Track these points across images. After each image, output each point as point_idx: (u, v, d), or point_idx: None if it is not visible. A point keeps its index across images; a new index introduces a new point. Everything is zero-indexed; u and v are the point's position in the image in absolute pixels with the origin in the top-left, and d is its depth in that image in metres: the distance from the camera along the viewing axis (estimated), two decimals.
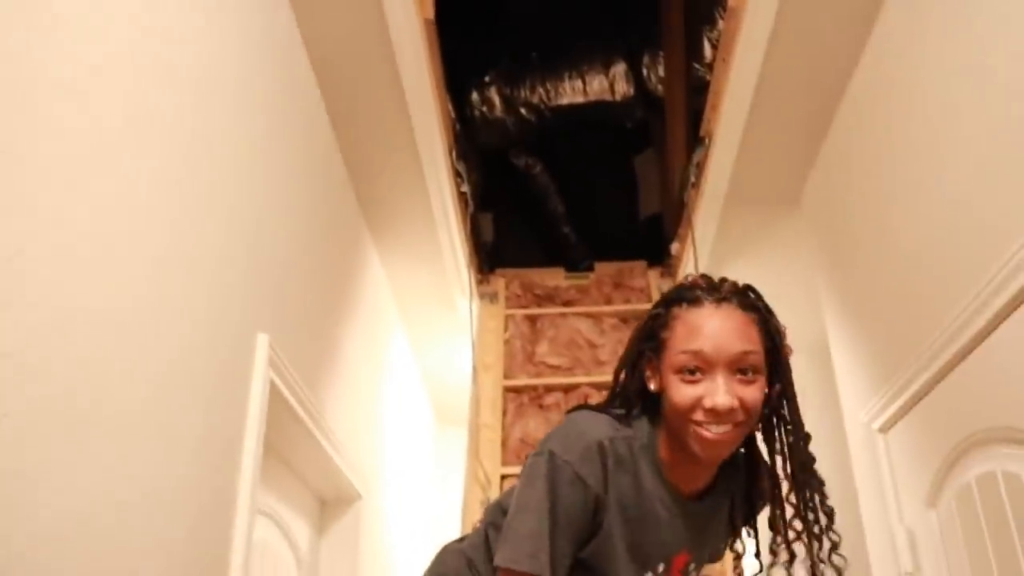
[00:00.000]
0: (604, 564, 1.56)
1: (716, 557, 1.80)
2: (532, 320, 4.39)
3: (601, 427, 1.56)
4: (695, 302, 1.56)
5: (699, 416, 1.49)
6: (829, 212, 3.49)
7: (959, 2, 2.36)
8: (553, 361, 4.16)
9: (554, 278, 4.80)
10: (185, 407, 1.86)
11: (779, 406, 1.62)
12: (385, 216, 3.84)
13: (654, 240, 5.08)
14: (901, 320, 2.82)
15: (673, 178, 4.50)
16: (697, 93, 4.41)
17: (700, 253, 4.07)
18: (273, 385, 2.39)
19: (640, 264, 4.89)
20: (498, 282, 4.67)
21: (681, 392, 1.50)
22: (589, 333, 4.27)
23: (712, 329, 1.52)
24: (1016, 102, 2.09)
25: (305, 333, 2.85)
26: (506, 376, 4.07)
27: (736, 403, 1.48)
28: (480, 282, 4.60)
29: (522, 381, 4.04)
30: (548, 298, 4.58)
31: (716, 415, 1.48)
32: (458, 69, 5.07)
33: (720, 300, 1.56)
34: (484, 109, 5.29)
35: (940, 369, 2.54)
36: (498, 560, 1.52)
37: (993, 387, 2.32)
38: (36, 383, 1.31)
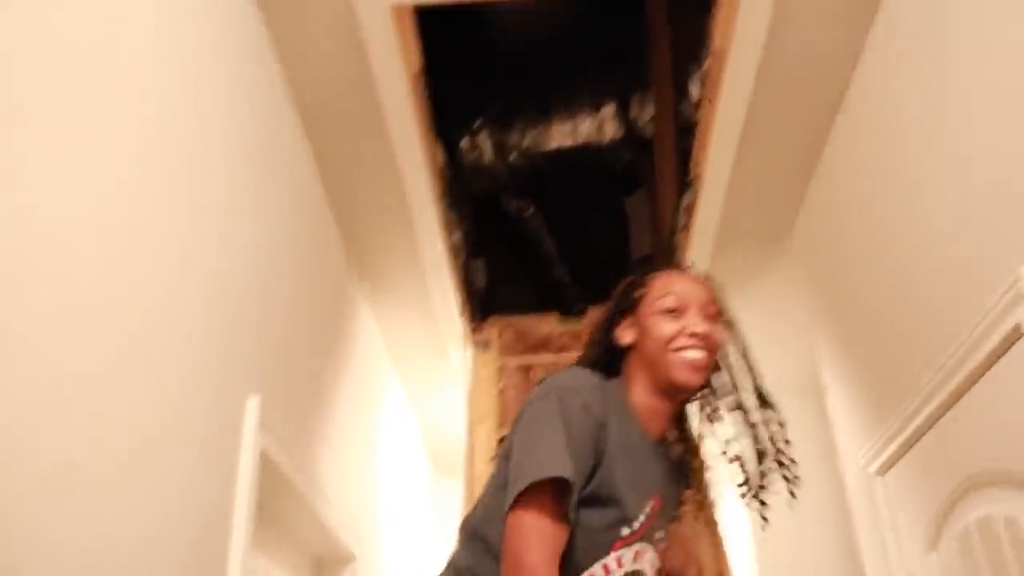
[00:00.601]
0: (613, 493, 1.63)
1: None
2: (525, 370, 4.37)
3: (587, 374, 1.72)
4: (667, 269, 1.86)
5: (682, 341, 1.71)
6: (820, 251, 3.48)
7: (940, 40, 2.37)
8: None
9: (547, 324, 4.78)
10: (174, 474, 1.84)
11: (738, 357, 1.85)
12: (376, 269, 3.83)
13: None
14: (895, 360, 2.80)
15: (663, 220, 4.49)
16: (686, 133, 4.41)
17: None
18: (264, 449, 2.36)
19: None
20: (491, 330, 4.65)
21: (664, 326, 1.73)
22: None
23: (686, 281, 1.80)
24: (999, 137, 2.09)
25: (297, 392, 2.82)
26: (501, 427, 4.04)
27: (710, 331, 1.74)
28: (474, 330, 4.58)
29: None
30: (542, 345, 4.56)
31: (697, 338, 1.71)
32: (448, 115, 5.07)
33: (687, 270, 1.88)
34: (474, 156, 5.29)
35: (936, 409, 2.53)
36: (519, 485, 1.51)
37: (989, 428, 2.30)
38: (19, 450, 1.29)
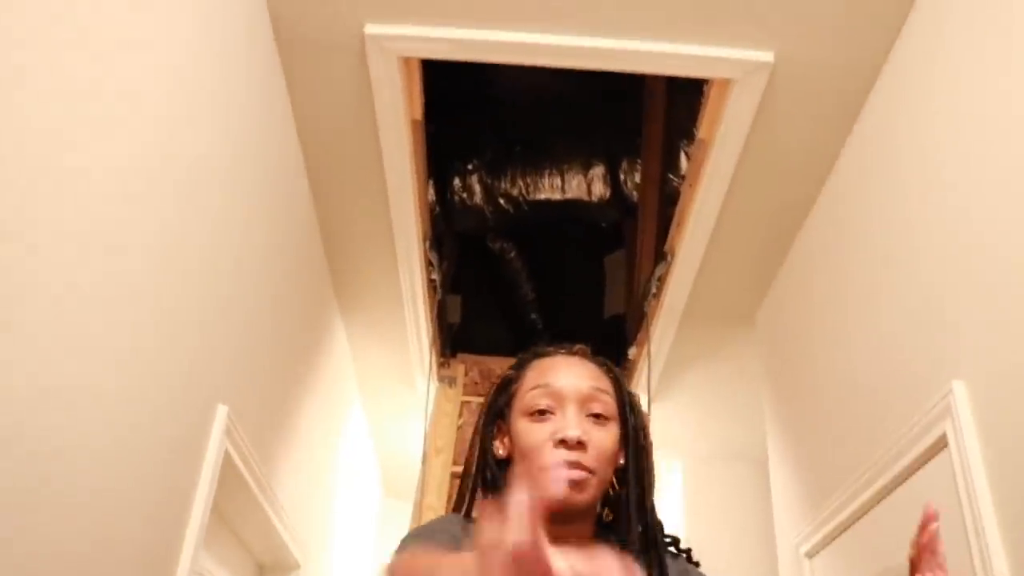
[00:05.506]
0: None
1: None
2: None
3: (445, 520, 1.47)
4: (546, 355, 1.51)
5: (547, 456, 1.35)
6: (779, 337, 3.63)
7: (906, 160, 2.53)
8: None
9: None
10: (140, 469, 1.94)
11: (628, 478, 1.43)
12: (356, 295, 3.96)
13: (615, 340, 5.19)
14: (835, 449, 2.94)
15: (638, 283, 4.63)
16: (671, 203, 4.54)
17: (655, 361, 4.20)
18: (227, 455, 2.47)
19: None
20: (458, 367, 4.76)
21: (531, 433, 1.39)
22: None
23: (562, 368, 1.45)
24: (947, 261, 2.25)
25: (265, 404, 2.93)
26: (455, 462, 4.16)
27: (586, 437, 1.35)
28: (441, 365, 4.69)
29: None
30: None
31: (566, 447, 1.34)
32: (443, 152, 5.20)
33: (572, 353, 1.51)
34: (464, 195, 5.41)
35: (864, 504, 2.66)
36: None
37: (908, 528, 2.42)
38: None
